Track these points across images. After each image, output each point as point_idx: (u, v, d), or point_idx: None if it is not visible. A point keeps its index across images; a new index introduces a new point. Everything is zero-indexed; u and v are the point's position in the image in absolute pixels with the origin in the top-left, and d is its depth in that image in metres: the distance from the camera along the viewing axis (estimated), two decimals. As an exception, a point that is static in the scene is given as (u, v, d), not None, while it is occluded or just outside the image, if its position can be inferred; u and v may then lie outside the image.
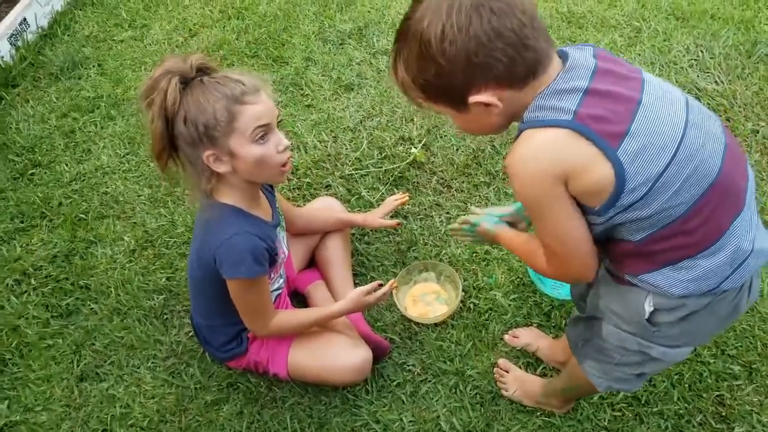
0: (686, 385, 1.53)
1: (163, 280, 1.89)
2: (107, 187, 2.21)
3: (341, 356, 1.51)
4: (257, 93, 1.25)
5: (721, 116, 2.17)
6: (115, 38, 2.89)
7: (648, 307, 0.99)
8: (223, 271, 1.31)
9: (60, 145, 2.39)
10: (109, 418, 1.60)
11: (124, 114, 2.50)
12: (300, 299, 1.78)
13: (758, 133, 2.10)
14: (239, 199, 1.34)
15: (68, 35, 2.93)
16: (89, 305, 1.87)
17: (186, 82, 1.22)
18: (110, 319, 1.82)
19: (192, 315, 1.59)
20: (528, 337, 1.63)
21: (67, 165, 2.31)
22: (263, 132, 1.25)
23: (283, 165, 1.31)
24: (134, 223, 2.09)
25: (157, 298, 1.85)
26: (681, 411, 1.49)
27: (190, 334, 1.74)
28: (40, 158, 2.34)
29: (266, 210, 1.46)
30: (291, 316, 1.51)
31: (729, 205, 0.92)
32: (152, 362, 1.72)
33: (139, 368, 1.71)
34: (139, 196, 2.17)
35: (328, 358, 1.51)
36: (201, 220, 1.38)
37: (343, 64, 2.55)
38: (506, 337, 1.66)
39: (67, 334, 1.80)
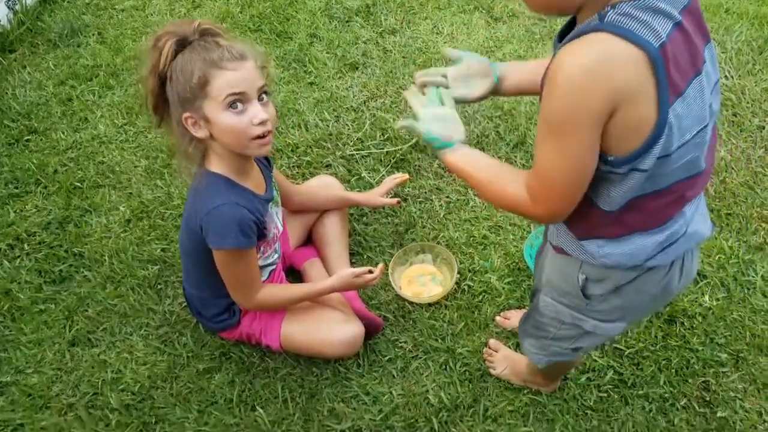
0: (673, 370, 1.65)
1: (158, 250, 2.02)
2: (104, 157, 2.34)
3: (333, 330, 1.64)
4: (240, 60, 1.30)
5: (728, 111, 2.30)
6: (117, 7, 3.02)
7: (581, 276, 1.08)
8: (209, 241, 1.41)
9: (57, 112, 2.52)
10: (100, 383, 1.73)
11: (122, 84, 2.63)
12: (296, 276, 1.90)
13: (764, 129, 2.23)
14: (227, 168, 1.44)
15: (68, 2, 3.06)
16: (83, 272, 1.99)
17: (184, 45, 1.32)
18: (103, 287, 1.95)
19: (184, 285, 1.72)
20: (519, 318, 1.75)
21: (63, 133, 2.44)
22: (236, 99, 1.30)
23: (260, 137, 1.35)
24: (130, 193, 2.21)
25: (152, 268, 1.98)
26: (666, 395, 1.62)
27: (184, 304, 1.87)
28: (36, 125, 2.47)
29: (258, 183, 1.56)
30: (278, 291, 1.63)
31: (693, 192, 1.00)
32: (145, 330, 1.84)
33: (131, 335, 1.83)
34: (135, 166, 2.30)
35: (321, 331, 1.64)
36: (191, 189, 1.49)
37: (348, 42, 2.68)
38: (498, 318, 1.78)
39: (60, 299, 1.93)
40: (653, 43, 0.79)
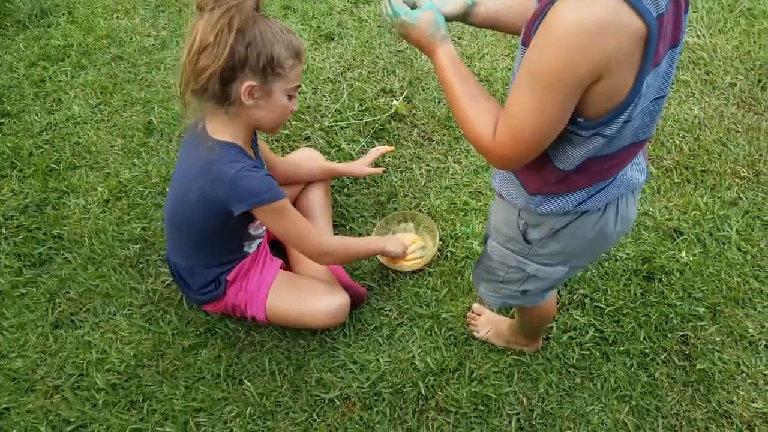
0: (653, 326, 1.64)
1: (138, 229, 1.95)
2: (79, 138, 2.25)
3: (319, 301, 1.60)
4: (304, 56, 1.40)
5: (700, 70, 2.26)
6: (85, -15, 2.88)
7: (521, 222, 1.09)
8: (248, 203, 1.37)
9: (29, 94, 2.41)
10: (85, 364, 1.68)
11: (95, 63, 2.52)
12: (279, 248, 1.85)
13: (736, 86, 2.20)
14: (241, 139, 1.42)
15: (35, -19, 2.92)
16: (63, 254, 1.92)
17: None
18: (85, 268, 1.88)
19: (170, 258, 1.66)
20: (485, 327, 1.68)
21: (37, 115, 2.33)
22: (296, 90, 1.41)
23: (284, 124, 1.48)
24: (107, 173, 2.13)
25: (132, 248, 1.91)
26: (646, 350, 1.61)
27: (167, 282, 1.81)
28: (8, 108, 2.36)
29: (251, 154, 1.52)
30: (340, 238, 1.76)
31: (635, 155, 1.00)
32: (128, 309, 1.79)
33: (115, 315, 1.78)
34: (112, 146, 2.22)
35: (307, 302, 1.60)
36: (197, 162, 1.42)
37: (323, 13, 2.59)
38: (469, 313, 1.73)
39: (41, 282, 1.86)
40: (653, 14, 0.75)
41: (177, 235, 1.61)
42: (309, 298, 1.60)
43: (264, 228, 1.65)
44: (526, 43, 0.85)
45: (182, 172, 1.52)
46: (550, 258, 1.13)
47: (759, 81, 2.24)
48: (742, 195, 1.91)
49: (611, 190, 1.01)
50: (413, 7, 1.04)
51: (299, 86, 1.43)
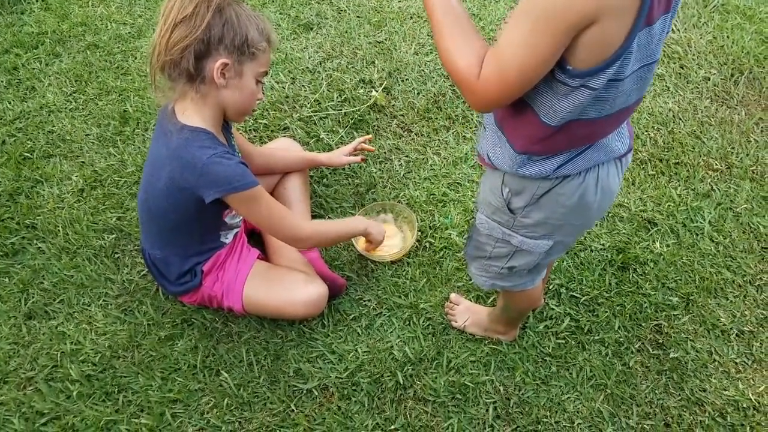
0: (627, 315, 1.64)
1: (114, 219, 1.90)
2: (53, 126, 2.18)
3: (297, 291, 1.56)
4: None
5: (675, 63, 2.27)
6: (59, -29, 2.79)
7: (505, 189, 1.08)
8: (219, 190, 1.33)
9: (2, 82, 2.32)
10: (59, 355, 1.62)
11: (70, 51, 2.44)
12: (257, 239, 1.81)
13: (709, 80, 2.21)
14: (211, 124, 1.38)
15: (7, -33, 2.81)
16: (36, 244, 1.86)
17: None
18: (59, 258, 1.82)
19: (145, 249, 1.61)
20: (462, 317, 1.66)
21: (10, 103, 2.25)
22: (264, 77, 1.41)
23: (251, 111, 1.46)
24: (82, 162, 2.07)
25: (108, 238, 1.86)
26: (621, 339, 1.61)
27: (143, 273, 1.77)
28: (-21, 95, 2.28)
29: (223, 141, 1.48)
30: (320, 221, 1.72)
31: (618, 125, 1.00)
32: (103, 300, 1.73)
33: (89, 306, 1.72)
34: (87, 135, 2.15)
35: (284, 292, 1.56)
36: (166, 148, 1.38)
37: (301, 3, 2.54)
38: (447, 304, 1.71)
39: (14, 272, 1.80)
40: None
41: (150, 225, 1.56)
42: (286, 288, 1.57)
43: (241, 217, 1.61)
44: None
45: (152, 159, 1.48)
46: (534, 229, 1.13)
47: (732, 75, 2.25)
48: (714, 187, 1.91)
49: (590, 154, 1.00)
50: None
51: (267, 73, 1.43)
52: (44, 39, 2.48)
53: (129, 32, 2.51)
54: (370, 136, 1.94)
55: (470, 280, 1.74)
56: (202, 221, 1.51)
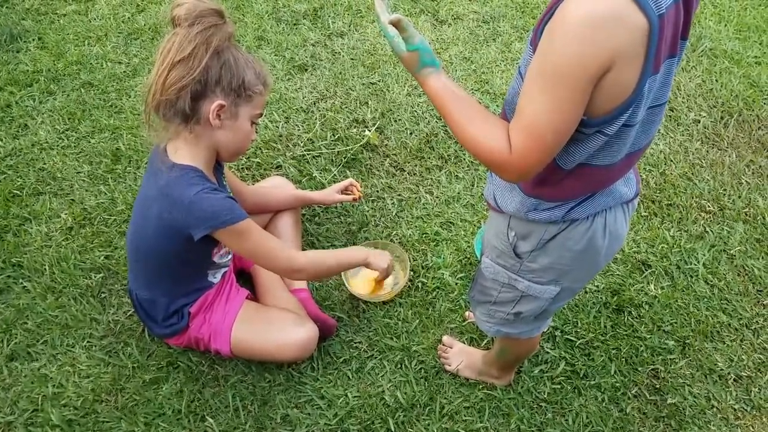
0: (623, 359, 1.61)
1: (102, 258, 1.87)
2: (44, 163, 2.16)
3: (287, 333, 1.53)
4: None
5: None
6: (58, 12, 2.83)
7: (510, 233, 1.07)
8: (207, 226, 1.32)
9: (-6, 119, 2.32)
10: (40, 398, 1.57)
11: (64, 89, 2.45)
12: (246, 278, 1.78)
13: (699, 123, 2.23)
14: (202, 162, 1.37)
15: (6, 7, 2.85)
16: (21, 283, 1.82)
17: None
18: (44, 298, 1.78)
19: (132, 289, 1.58)
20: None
21: (1, 140, 2.24)
22: (258, 119, 1.41)
23: (244, 152, 1.47)
24: (72, 200, 2.05)
25: (95, 277, 1.82)
26: (617, 384, 1.57)
27: (129, 313, 1.73)
28: (-29, 132, 2.27)
29: (214, 180, 1.47)
30: (316, 251, 1.68)
31: (627, 170, 1.01)
32: (88, 341, 1.69)
33: (73, 347, 1.68)
34: (78, 172, 2.14)
35: (273, 334, 1.53)
36: (156, 187, 1.37)
37: (297, 45, 2.57)
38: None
39: (-3, 312, 1.76)
40: (655, 12, 0.77)
41: (138, 264, 1.54)
42: (275, 330, 1.54)
43: (230, 256, 1.59)
44: (534, 44, 0.85)
45: (142, 198, 1.47)
46: (541, 274, 1.11)
47: (722, 118, 2.28)
48: (707, 229, 1.91)
49: (599, 199, 1.01)
50: (406, 38, 0.98)
51: (261, 115, 1.43)
52: (39, 77, 2.49)
53: (124, 71, 2.53)
54: (359, 194, 1.90)
55: (464, 321, 1.71)
56: (190, 260, 1.49)
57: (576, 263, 1.08)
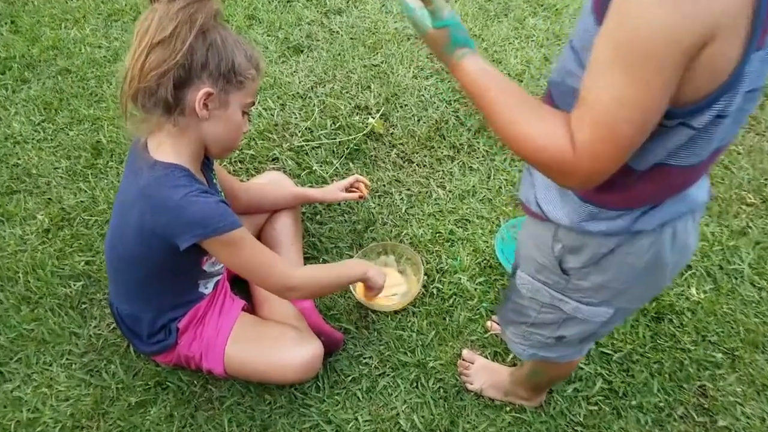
0: (666, 375, 1.44)
1: (82, 264, 1.68)
2: (18, 159, 1.97)
3: (287, 352, 1.35)
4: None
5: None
6: (32, -9, 2.61)
7: (556, 246, 0.89)
8: (191, 235, 1.15)
9: (-38, 110, 2.12)
10: (13, 425, 1.40)
11: (40, 76, 2.24)
12: (241, 286, 1.60)
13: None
14: (188, 160, 1.19)
15: (-25, -13, 2.63)
16: (-8, 294, 1.64)
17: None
18: (18, 310, 1.60)
19: (112, 302, 1.40)
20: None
21: (-30, 133, 2.05)
22: (250, 108, 1.26)
23: (236, 146, 1.32)
24: (49, 199, 1.86)
25: (74, 285, 1.64)
26: (661, 404, 1.41)
27: (112, 326, 1.55)
28: (-63, 125, 2.07)
29: (203, 178, 1.30)
30: (314, 268, 1.52)
31: (705, 172, 0.83)
32: (67, 359, 1.52)
33: (51, 366, 1.50)
34: (55, 168, 1.94)
35: (272, 353, 1.35)
36: (136, 188, 1.19)
37: (291, 24, 2.36)
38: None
39: (-35, 327, 1.58)
40: None
41: (119, 275, 1.35)
42: (274, 349, 1.36)
43: (222, 265, 1.40)
44: (599, 11, 0.65)
45: (121, 200, 1.28)
46: (593, 294, 0.92)
47: (756, 99, 2.09)
48: (750, 224, 1.73)
49: (670, 205, 0.81)
50: (432, 11, 0.79)
51: (254, 104, 1.27)
52: (12, 64, 2.28)
53: (104, 56, 2.32)
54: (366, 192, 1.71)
55: (485, 333, 1.54)
56: (177, 271, 1.31)
57: (636, 281, 0.90)
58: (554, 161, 0.69)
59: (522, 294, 1.01)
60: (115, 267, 1.35)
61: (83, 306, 1.61)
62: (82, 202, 1.83)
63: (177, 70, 1.10)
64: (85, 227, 1.77)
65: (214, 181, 1.37)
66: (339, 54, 2.27)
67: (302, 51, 2.29)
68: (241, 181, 1.77)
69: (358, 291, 1.60)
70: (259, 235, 1.65)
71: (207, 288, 1.40)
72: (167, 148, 1.18)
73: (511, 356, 1.49)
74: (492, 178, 1.92)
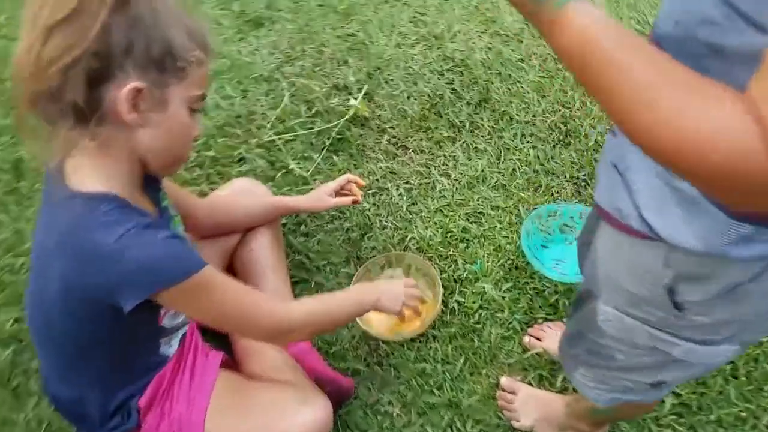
0: (743, 378, 1.21)
1: (9, 323, 1.33)
2: None
3: (288, 419, 1.03)
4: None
5: None
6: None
7: (667, 273, 0.64)
8: (137, 291, 0.84)
9: None
10: None
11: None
12: (215, 333, 1.25)
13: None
14: (120, 184, 0.86)
15: None
16: None
17: None
18: (-68, 390, 1.26)
19: (48, 388, 1.06)
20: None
21: None
22: (200, 103, 0.92)
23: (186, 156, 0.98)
24: (-38, 238, 1.50)
25: (3, 354, 1.29)
26: (743, 414, 1.17)
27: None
28: None
29: (146, 204, 0.96)
30: (312, 301, 1.09)
31: None
32: (3, 452, 1.19)
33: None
34: (-32, 197, 1.57)
35: (268, 425, 1.03)
36: (54, 231, 0.86)
37: (245, -7, 2.03)
38: (526, 338, 1.29)
39: None
40: None
41: (48, 349, 1.01)
42: (270, 417, 1.04)
43: (186, 312, 1.07)
44: None
45: (39, 249, 0.94)
46: (714, 331, 0.67)
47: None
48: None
49: None
50: None
51: (204, 97, 0.93)
52: None
53: (19, 51, 1.93)
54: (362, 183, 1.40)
55: (524, 353, 1.26)
56: (127, 336, 0.97)
57: None
58: (730, 162, 0.40)
59: (603, 332, 0.75)
60: (46, 338, 1.00)
61: (16, 381, 1.27)
62: (5, 239, 1.47)
63: (88, 60, 0.75)
64: (10, 273, 1.42)
65: (164, 204, 1.03)
66: (306, 25, 1.98)
67: (263, 24, 1.99)
68: (202, 195, 1.43)
69: (365, 321, 1.29)
70: (231, 263, 1.33)
71: (171, 346, 1.07)
72: (88, 172, 0.84)
73: (560, 378, 1.22)
74: (502, 159, 1.62)
